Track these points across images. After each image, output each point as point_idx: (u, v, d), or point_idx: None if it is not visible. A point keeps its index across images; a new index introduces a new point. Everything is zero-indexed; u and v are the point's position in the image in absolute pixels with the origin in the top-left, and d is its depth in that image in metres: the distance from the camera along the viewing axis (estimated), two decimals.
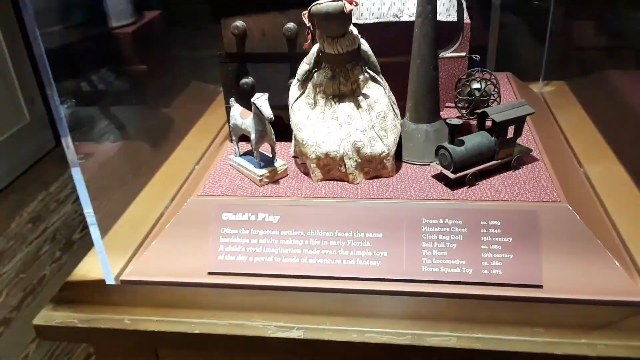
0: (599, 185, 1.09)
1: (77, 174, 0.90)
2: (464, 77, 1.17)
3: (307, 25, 0.95)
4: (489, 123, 1.02)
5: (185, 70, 1.67)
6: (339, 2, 0.92)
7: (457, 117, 1.17)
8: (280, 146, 1.12)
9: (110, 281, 0.96)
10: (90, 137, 1.27)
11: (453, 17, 1.15)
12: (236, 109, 1.07)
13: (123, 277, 0.96)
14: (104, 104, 1.36)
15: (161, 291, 0.93)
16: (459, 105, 1.18)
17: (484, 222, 0.91)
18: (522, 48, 1.78)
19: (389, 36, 1.11)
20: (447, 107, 1.26)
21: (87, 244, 0.95)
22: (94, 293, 0.95)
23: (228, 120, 1.11)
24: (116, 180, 1.23)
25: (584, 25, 1.64)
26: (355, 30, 0.98)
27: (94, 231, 0.95)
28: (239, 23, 1.06)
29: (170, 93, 1.56)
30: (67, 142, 0.88)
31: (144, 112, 1.42)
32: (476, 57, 1.14)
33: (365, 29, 1.05)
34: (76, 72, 1.25)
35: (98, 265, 0.96)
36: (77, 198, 0.96)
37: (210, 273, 0.94)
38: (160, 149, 1.38)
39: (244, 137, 1.07)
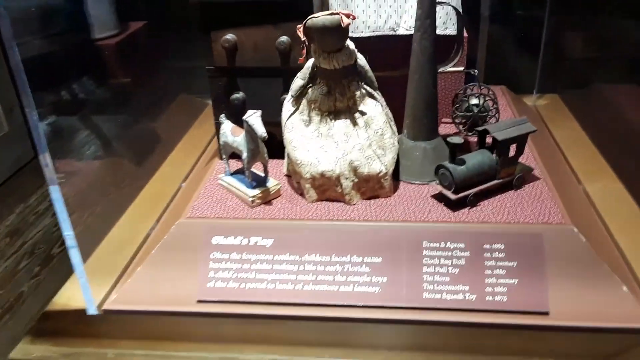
0: (600, 204, 1.06)
1: (55, 192, 0.85)
2: (462, 92, 1.14)
3: (302, 39, 0.91)
4: (489, 140, 0.99)
5: (171, 83, 1.62)
6: (336, 16, 0.88)
7: (456, 134, 1.14)
8: (272, 164, 1.08)
9: (92, 311, 0.90)
10: (71, 152, 1.21)
11: (450, 31, 1.12)
12: (227, 125, 1.02)
13: (106, 307, 0.90)
14: (85, 118, 1.31)
15: (147, 321, 0.88)
16: (457, 121, 1.15)
17: (488, 246, 0.88)
18: (512, 60, 1.76)
19: (385, 50, 1.07)
20: (443, 122, 1.23)
21: (66, 260, 0.89)
22: (75, 324, 0.89)
23: (218, 138, 1.06)
24: (98, 199, 1.17)
25: (575, 37, 1.62)
26: (352, 45, 0.94)
27: (75, 255, 0.89)
28: (230, 36, 1.02)
29: (156, 106, 1.51)
30: (45, 160, 0.83)
31: (128, 126, 1.36)
32: (474, 71, 1.11)
33: (361, 43, 1.01)
34: (57, 84, 1.19)
35: (79, 292, 0.91)
36: None
37: (199, 301, 0.88)
38: (145, 166, 1.32)
39: (235, 155, 1.02)
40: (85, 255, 0.96)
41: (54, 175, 0.84)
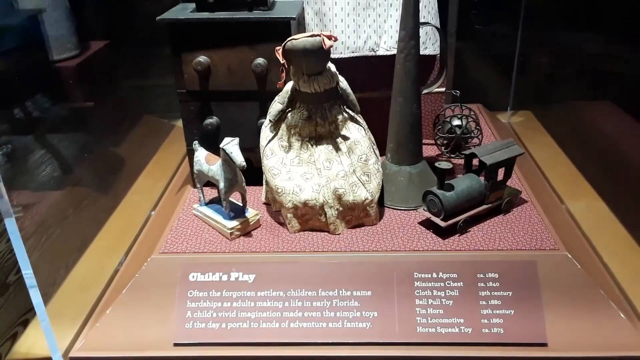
0: (586, 225, 1.05)
1: (11, 226, 0.77)
2: (443, 113, 1.11)
3: (282, 62, 0.86)
4: (475, 162, 0.96)
5: (136, 103, 1.54)
6: (317, 38, 0.83)
7: (439, 156, 1.11)
8: (249, 192, 1.02)
9: (58, 359, 0.82)
10: (28, 181, 1.13)
11: (429, 51, 1.09)
12: (201, 153, 0.96)
13: (73, 354, 0.82)
14: (45, 143, 1.22)
15: None
16: (439, 142, 1.12)
17: (481, 275, 0.84)
18: (483, 77, 1.76)
19: (365, 71, 1.04)
20: (424, 144, 1.19)
21: (24, 288, 0.80)
22: None
23: (190, 165, 1.00)
24: (59, 232, 1.09)
25: (547, 54, 1.63)
26: (333, 67, 0.90)
27: (35, 296, 0.81)
28: (202, 58, 0.96)
29: (120, 128, 1.43)
30: (1, 192, 0.75)
31: (90, 151, 1.28)
32: (456, 92, 1.08)
33: (340, 64, 0.97)
34: (12, 109, 1.10)
35: (42, 339, 0.83)
36: None
37: (176, 344, 0.82)
38: (109, 193, 1.24)
39: (209, 182, 0.96)
40: (47, 295, 0.88)
41: (9, 207, 0.76)
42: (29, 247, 0.80)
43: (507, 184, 0.98)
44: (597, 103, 1.47)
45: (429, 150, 1.17)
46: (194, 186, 1.03)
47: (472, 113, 1.10)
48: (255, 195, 1.04)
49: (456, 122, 1.09)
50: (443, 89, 1.10)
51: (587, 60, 1.50)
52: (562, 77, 1.62)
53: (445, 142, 1.11)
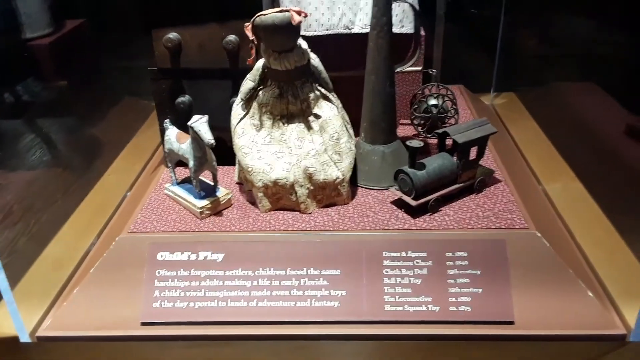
0: (561, 205, 1.04)
1: None
2: (420, 92, 1.10)
3: (251, 38, 0.85)
4: (449, 142, 0.95)
5: (115, 84, 1.53)
6: (286, 13, 0.82)
7: (415, 136, 1.10)
8: (222, 172, 1.01)
9: (25, 338, 0.82)
10: (1, 161, 1.12)
11: (407, 29, 1.08)
12: (172, 131, 0.95)
13: (40, 333, 0.82)
14: (19, 124, 1.21)
15: (86, 348, 0.81)
16: (415, 122, 1.11)
17: (450, 254, 0.84)
18: (469, 59, 1.75)
19: (340, 49, 1.02)
20: (401, 124, 1.19)
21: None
22: (6, 353, 0.81)
23: (163, 145, 0.99)
24: (33, 213, 1.08)
25: (530, 35, 1.62)
26: (304, 44, 0.89)
27: (1, 278, 0.81)
28: (173, 35, 0.95)
29: (98, 110, 1.41)
30: None
31: (66, 132, 1.27)
32: (432, 71, 1.07)
33: (315, 42, 0.96)
34: None
35: (9, 319, 0.82)
36: None
37: (144, 324, 0.82)
38: (86, 174, 1.23)
39: (182, 163, 0.95)
40: (17, 276, 0.87)
41: None
42: None
43: (481, 163, 0.97)
44: (580, 84, 1.47)
45: (406, 130, 1.16)
46: (167, 166, 1.02)
47: (449, 92, 1.09)
48: (229, 175, 1.03)
49: (433, 101, 1.08)
50: (419, 68, 1.09)
51: (571, 43, 1.50)
52: (546, 59, 1.61)
53: (422, 121, 1.10)
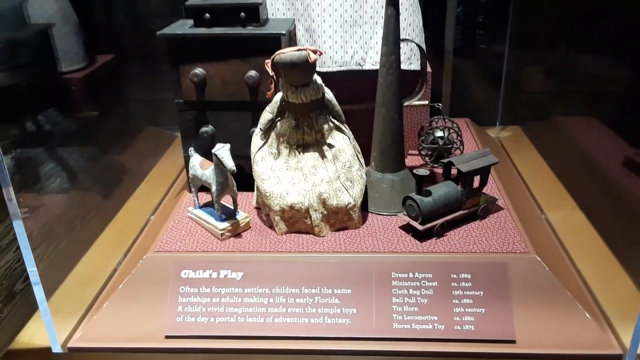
0: (562, 232, 1.09)
1: (19, 227, 0.83)
2: (427, 125, 1.17)
3: (271, 74, 0.92)
4: (454, 171, 1.01)
5: (139, 115, 1.61)
6: (303, 52, 0.90)
7: (422, 166, 1.16)
8: (241, 197, 1.08)
9: (57, 349, 0.88)
10: (36, 186, 1.19)
11: (414, 66, 1.15)
12: (196, 159, 1.02)
13: (71, 344, 0.88)
14: (51, 151, 1.29)
15: (113, 359, 0.86)
16: (423, 153, 1.17)
17: (455, 275, 0.89)
18: (476, 94, 1.82)
19: (352, 84, 1.10)
20: (410, 154, 1.26)
21: (30, 296, 0.87)
22: None
23: (187, 171, 1.06)
24: (64, 233, 1.15)
25: (535, 71, 1.69)
26: (319, 79, 0.96)
27: (38, 292, 0.87)
28: (199, 70, 1.03)
29: (124, 139, 1.50)
30: (9, 194, 0.82)
31: (94, 159, 1.35)
32: (438, 105, 1.14)
33: (329, 77, 1.04)
34: (22, 117, 1.18)
35: (43, 330, 0.88)
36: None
37: (167, 337, 0.87)
38: (112, 199, 1.31)
39: (204, 188, 1.02)
40: (50, 291, 0.94)
41: (17, 209, 0.82)
42: (34, 247, 0.86)
43: (484, 191, 1.03)
44: (581, 119, 1.53)
45: (414, 161, 1.23)
46: (190, 191, 1.09)
47: (454, 125, 1.16)
48: (247, 200, 1.10)
49: (439, 133, 1.15)
50: (426, 102, 1.16)
51: (573, 79, 1.56)
52: (550, 94, 1.68)
53: (429, 152, 1.17)
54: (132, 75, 1.56)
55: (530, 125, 1.61)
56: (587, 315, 0.86)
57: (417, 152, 1.20)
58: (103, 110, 1.39)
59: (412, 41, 1.06)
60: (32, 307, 0.92)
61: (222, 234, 0.97)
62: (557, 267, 0.93)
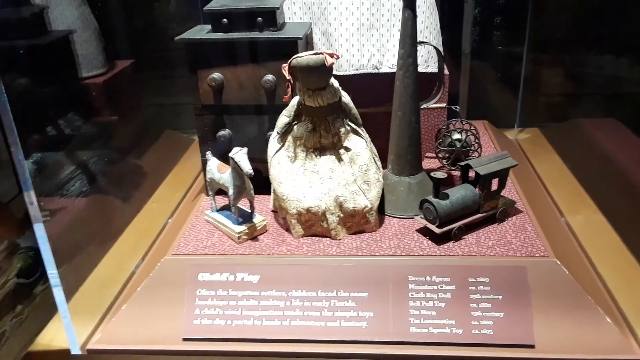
0: (582, 236, 1.07)
1: (40, 230, 0.84)
2: (444, 127, 1.16)
3: (287, 77, 0.93)
4: (472, 174, 1.01)
5: (158, 119, 1.63)
6: (320, 56, 0.90)
7: (440, 168, 1.16)
8: (259, 200, 1.08)
9: (76, 351, 0.89)
10: (57, 190, 1.21)
11: (432, 68, 1.15)
12: (213, 162, 1.03)
13: (90, 346, 0.88)
14: (72, 155, 1.31)
15: None
16: (440, 155, 1.17)
17: (473, 279, 0.88)
18: (494, 96, 1.81)
19: (369, 87, 1.10)
20: (427, 157, 1.25)
21: (49, 298, 0.88)
22: None
23: (204, 174, 1.07)
24: (83, 237, 1.16)
25: (554, 72, 1.67)
26: (336, 83, 0.96)
27: (58, 294, 0.88)
28: (216, 75, 1.04)
29: (143, 142, 1.51)
30: (30, 197, 0.83)
31: (113, 163, 1.37)
32: (456, 108, 1.14)
33: (345, 81, 1.04)
34: (43, 123, 1.20)
35: (62, 332, 0.89)
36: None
37: (185, 339, 0.87)
38: (131, 202, 1.32)
39: (221, 191, 1.03)
40: (69, 294, 0.95)
41: (38, 213, 0.83)
42: (54, 249, 0.87)
43: (503, 194, 1.02)
44: (603, 121, 1.51)
45: (432, 163, 1.22)
46: (207, 194, 1.10)
47: (472, 128, 1.15)
48: (264, 203, 1.10)
49: (456, 136, 1.14)
50: (444, 105, 1.15)
51: (593, 80, 1.54)
52: (570, 96, 1.66)
53: (446, 155, 1.16)
54: (151, 80, 1.58)
55: (549, 127, 1.59)
56: (608, 320, 0.84)
57: (434, 155, 1.19)
58: (122, 114, 1.41)
59: (429, 44, 1.05)
60: (52, 310, 0.93)
61: (239, 237, 0.98)
62: (578, 271, 0.92)
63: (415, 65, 0.98)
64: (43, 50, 1.17)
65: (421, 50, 1.12)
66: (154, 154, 1.55)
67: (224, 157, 1.00)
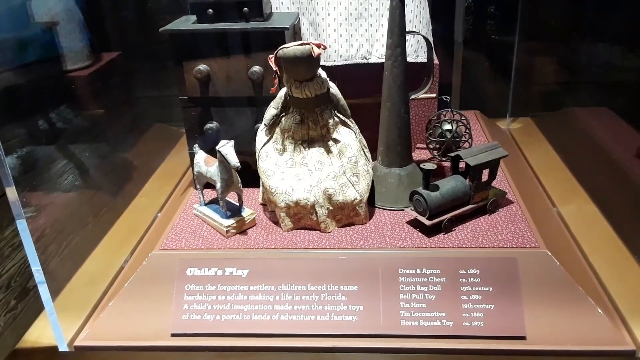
0: (574, 226, 1.07)
1: (22, 225, 0.83)
2: (435, 118, 1.15)
3: (274, 69, 0.91)
4: (462, 165, 1.00)
5: (146, 112, 1.61)
6: (307, 46, 0.89)
7: (430, 160, 1.15)
8: (247, 193, 1.07)
9: (63, 347, 0.88)
10: (43, 184, 1.19)
11: (421, 58, 1.13)
12: (200, 155, 1.02)
13: (77, 343, 0.88)
14: (58, 149, 1.29)
15: (120, 357, 0.86)
16: (430, 146, 1.16)
17: (463, 271, 0.88)
18: (486, 85, 1.80)
19: (357, 78, 1.09)
20: (417, 148, 1.24)
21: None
22: None
23: (192, 168, 1.05)
24: (70, 232, 1.15)
25: (545, 62, 1.66)
26: (323, 74, 0.95)
27: (44, 291, 0.88)
28: (202, 67, 1.02)
29: (131, 136, 1.50)
30: (13, 194, 0.81)
31: (102, 157, 1.35)
32: (446, 98, 1.12)
33: (334, 71, 1.02)
34: (28, 115, 1.18)
35: (50, 329, 0.88)
36: None
37: (173, 335, 0.87)
38: (119, 196, 1.31)
39: (210, 185, 1.02)
40: (57, 290, 0.93)
41: (20, 209, 0.82)
42: (41, 245, 0.86)
43: (494, 185, 1.02)
44: (595, 110, 1.50)
45: (422, 154, 1.21)
46: (195, 188, 1.08)
47: (462, 118, 1.14)
48: (253, 196, 1.09)
49: (447, 126, 1.13)
50: (434, 95, 1.14)
51: (585, 69, 1.53)
52: (562, 85, 1.65)
53: (437, 146, 1.15)
54: (140, 72, 1.56)
55: (541, 117, 1.58)
56: (599, 311, 0.84)
57: (425, 146, 1.18)
58: (109, 107, 1.39)
59: (418, 33, 1.04)
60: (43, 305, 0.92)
61: (227, 231, 0.97)
62: (569, 261, 0.92)
63: (404, 55, 0.97)
64: (26, 42, 1.14)
65: (410, 40, 1.11)
66: (143, 147, 1.53)
67: (212, 150, 0.98)
